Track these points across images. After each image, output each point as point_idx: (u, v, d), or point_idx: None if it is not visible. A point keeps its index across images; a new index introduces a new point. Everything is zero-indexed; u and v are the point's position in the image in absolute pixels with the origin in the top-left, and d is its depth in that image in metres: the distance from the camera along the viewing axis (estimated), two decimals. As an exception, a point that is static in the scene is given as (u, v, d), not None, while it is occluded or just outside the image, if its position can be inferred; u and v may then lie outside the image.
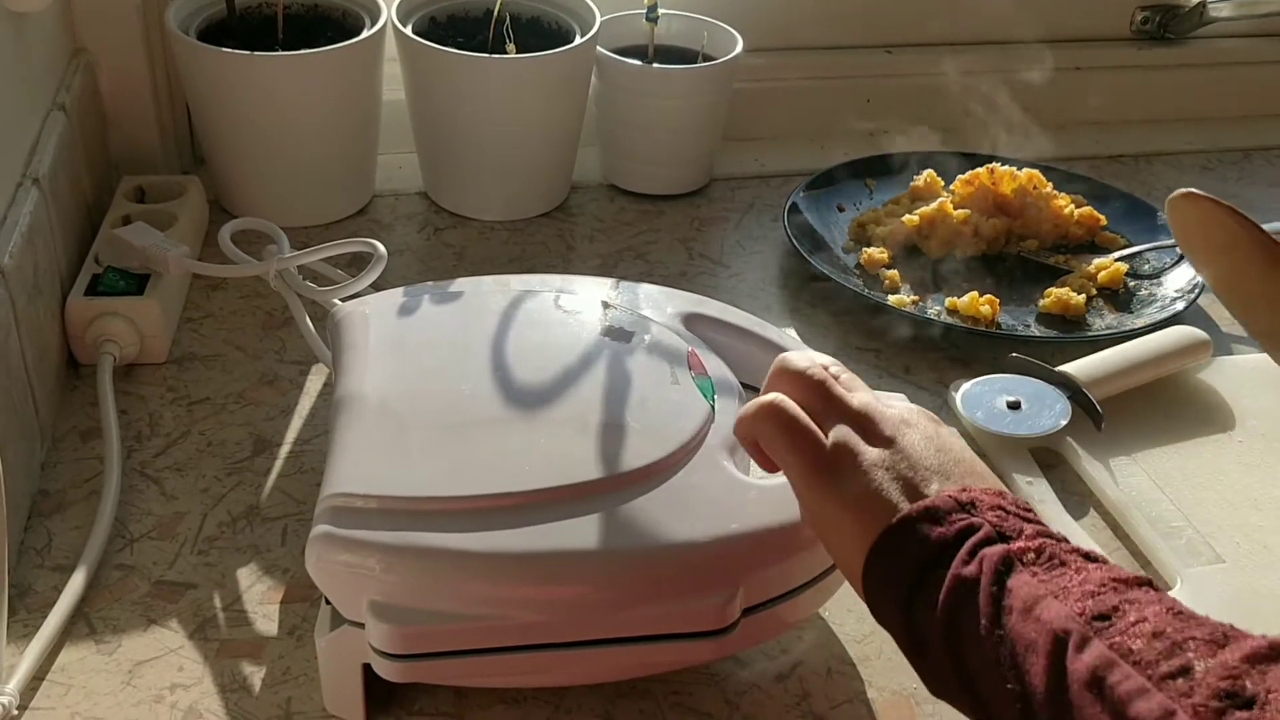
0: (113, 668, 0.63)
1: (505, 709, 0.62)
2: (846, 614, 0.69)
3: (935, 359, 0.91)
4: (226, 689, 0.62)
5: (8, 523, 0.62)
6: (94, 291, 0.83)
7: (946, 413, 0.86)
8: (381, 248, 0.81)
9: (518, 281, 0.75)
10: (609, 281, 0.76)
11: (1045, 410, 0.82)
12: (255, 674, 0.63)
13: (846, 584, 0.64)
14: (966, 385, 0.85)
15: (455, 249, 1.02)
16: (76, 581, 0.67)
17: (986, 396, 0.84)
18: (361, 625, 0.56)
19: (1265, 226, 0.76)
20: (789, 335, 0.82)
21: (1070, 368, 0.85)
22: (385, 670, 0.56)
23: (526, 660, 0.57)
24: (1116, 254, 1.02)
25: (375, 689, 0.60)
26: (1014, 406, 0.83)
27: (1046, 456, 0.82)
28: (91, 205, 0.93)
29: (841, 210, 1.08)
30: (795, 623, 0.64)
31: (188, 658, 0.64)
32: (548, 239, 1.05)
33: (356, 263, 0.88)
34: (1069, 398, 0.83)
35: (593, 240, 1.05)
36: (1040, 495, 0.77)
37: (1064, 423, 0.81)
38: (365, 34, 0.99)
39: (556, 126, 1.05)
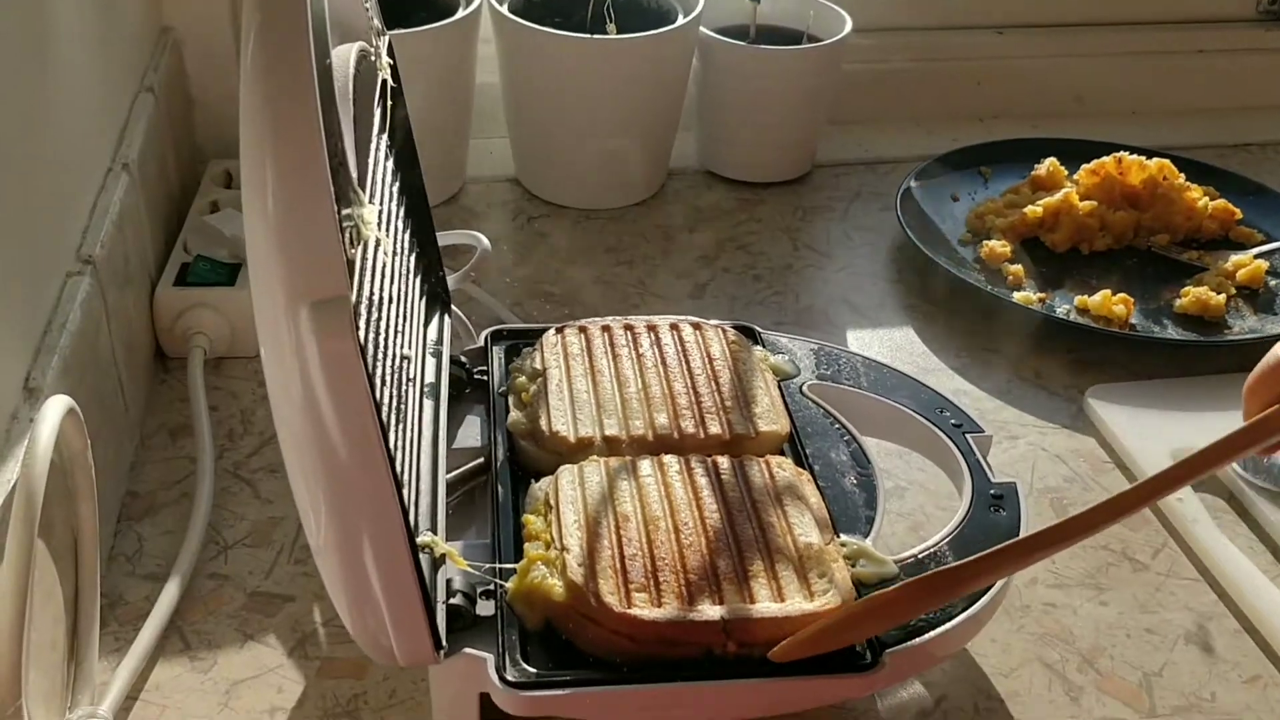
0: (209, 687, 0.59)
1: (626, 742, 0.58)
2: (990, 644, 0.63)
3: (1067, 362, 0.85)
4: (329, 713, 0.58)
5: (99, 528, 0.58)
6: (183, 282, 0.80)
7: (1081, 419, 0.80)
8: (485, 241, 0.77)
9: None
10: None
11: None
12: (359, 697, 0.59)
13: (995, 615, 0.59)
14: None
15: (549, 239, 0.98)
16: (170, 592, 0.63)
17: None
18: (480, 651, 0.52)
19: None
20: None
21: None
22: (507, 703, 0.52)
23: (664, 695, 0.52)
24: (1255, 250, 0.95)
25: (490, 715, 0.55)
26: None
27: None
28: (178, 191, 0.90)
29: (956, 200, 1.02)
30: (944, 657, 0.59)
31: (287, 677, 0.60)
32: (645, 229, 1.00)
33: (450, 253, 0.84)
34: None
35: (692, 230, 1.00)
36: (1194, 514, 0.71)
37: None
38: (461, 13, 0.94)
39: (655, 110, 1.00)
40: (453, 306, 0.74)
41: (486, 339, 0.72)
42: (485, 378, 0.69)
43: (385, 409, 0.51)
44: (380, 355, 0.52)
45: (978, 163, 1.05)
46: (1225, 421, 0.78)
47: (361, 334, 0.48)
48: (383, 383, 0.52)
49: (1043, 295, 0.89)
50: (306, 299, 0.43)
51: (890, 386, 0.69)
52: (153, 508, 0.69)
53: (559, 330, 0.71)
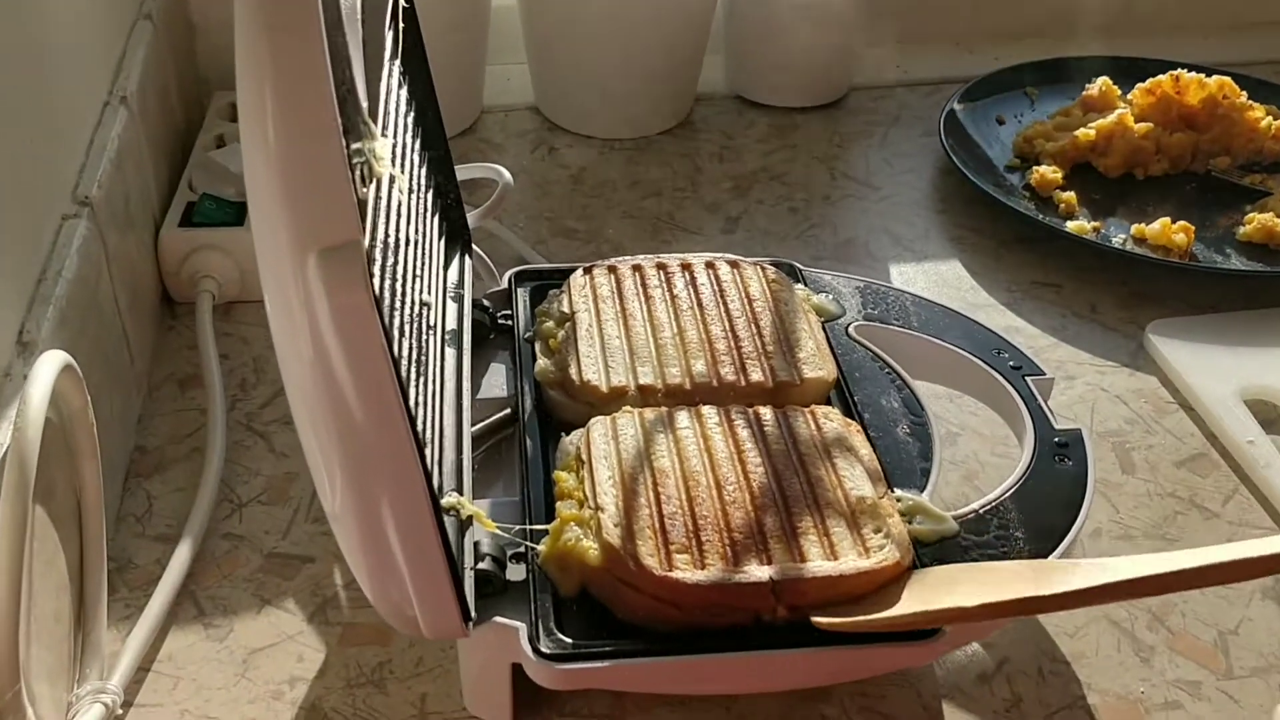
0: (225, 656, 0.56)
1: (669, 712, 0.54)
2: (1053, 600, 0.59)
3: (1123, 295, 0.81)
4: (353, 684, 0.55)
5: (103, 488, 0.55)
6: (189, 222, 0.75)
7: (1141, 356, 0.75)
8: (506, 174, 0.72)
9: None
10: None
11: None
12: (384, 665, 0.56)
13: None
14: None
15: (571, 171, 0.93)
16: (182, 554, 0.59)
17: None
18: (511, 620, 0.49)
19: None
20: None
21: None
22: (541, 676, 0.48)
23: (711, 665, 0.48)
24: (1322, 172, 0.90)
25: (523, 686, 0.52)
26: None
27: (1263, 410, 0.71)
28: (182, 125, 0.85)
29: (1001, 123, 0.96)
30: (1006, 621, 0.55)
31: (307, 645, 0.57)
32: (672, 159, 0.95)
33: (467, 189, 0.79)
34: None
35: (722, 160, 0.95)
36: (1266, 459, 0.67)
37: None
38: (475, -71, 0.89)
39: (681, 32, 0.95)
40: (474, 246, 0.70)
41: (510, 280, 0.68)
42: (510, 323, 0.65)
43: (404, 362, 0.47)
44: (398, 303, 0.48)
45: (1023, 83, 0.99)
46: (1294, 356, 0.73)
47: (376, 282, 0.43)
48: (401, 333, 0.48)
49: (1097, 224, 0.84)
50: (314, 245, 0.39)
51: (942, 326, 0.65)
52: (162, 464, 0.66)
53: (587, 270, 0.66)
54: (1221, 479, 0.67)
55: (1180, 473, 0.67)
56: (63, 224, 0.61)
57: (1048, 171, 0.88)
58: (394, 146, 0.53)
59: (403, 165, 0.56)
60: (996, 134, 0.94)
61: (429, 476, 0.44)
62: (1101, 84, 0.94)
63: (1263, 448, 0.67)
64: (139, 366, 0.69)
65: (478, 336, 0.64)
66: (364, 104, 0.45)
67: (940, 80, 1.05)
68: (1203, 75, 0.92)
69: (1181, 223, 0.82)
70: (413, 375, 0.49)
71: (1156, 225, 0.82)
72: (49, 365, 0.49)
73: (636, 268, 0.66)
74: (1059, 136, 0.92)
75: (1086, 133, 0.90)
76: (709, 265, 0.66)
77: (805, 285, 0.67)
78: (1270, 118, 0.92)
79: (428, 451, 0.49)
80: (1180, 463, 0.68)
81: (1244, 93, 0.92)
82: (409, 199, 0.55)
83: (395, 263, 0.49)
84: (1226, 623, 0.59)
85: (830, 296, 0.66)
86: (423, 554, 0.45)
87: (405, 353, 0.48)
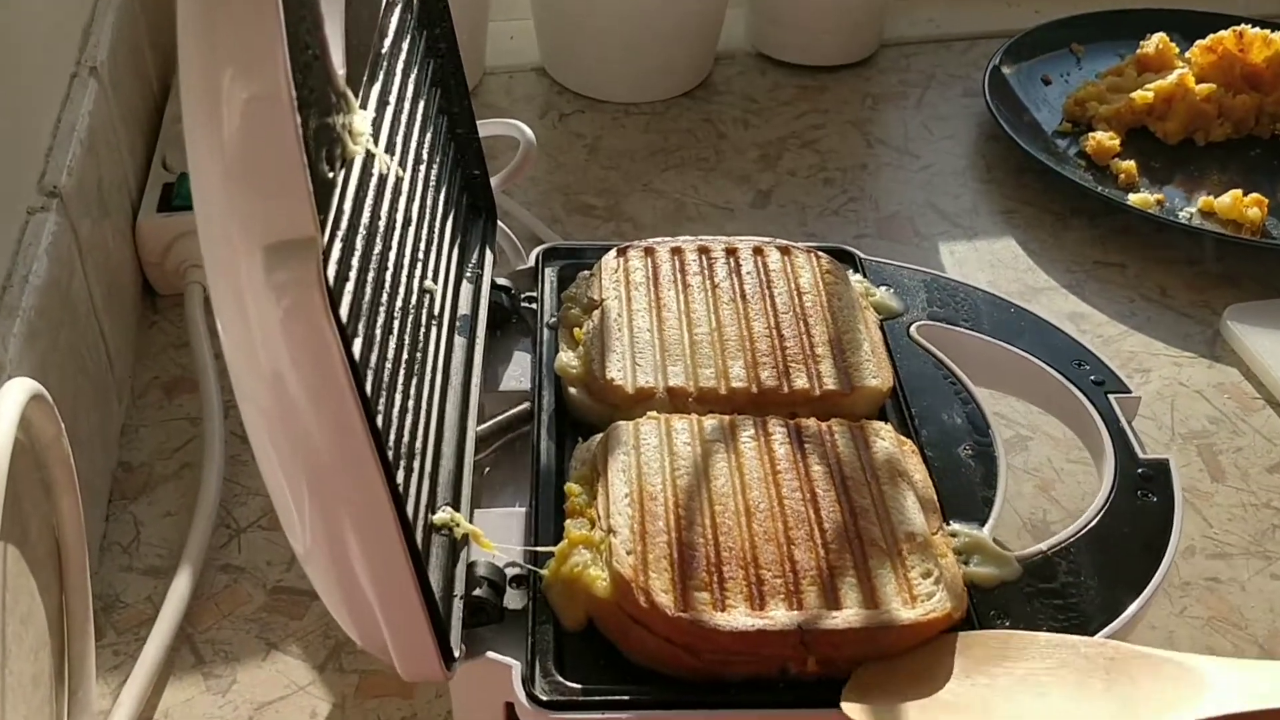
0: (229, 713, 0.50)
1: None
2: (1150, 632, 0.54)
3: (1193, 276, 0.74)
4: (374, 743, 0.49)
5: (84, 520, 0.48)
6: (169, 206, 0.68)
7: (1219, 345, 0.69)
8: (529, 132, 0.65)
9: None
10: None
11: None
12: (408, 720, 0.50)
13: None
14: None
15: (586, 140, 0.86)
16: (177, 591, 0.53)
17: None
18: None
19: None
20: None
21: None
22: None
23: None
24: (1397, 136, 0.83)
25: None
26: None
27: (1356, 405, 0.65)
28: (159, 97, 0.77)
29: (1048, 83, 0.89)
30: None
31: (320, 698, 0.50)
32: (693, 125, 0.87)
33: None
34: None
35: (747, 126, 0.87)
36: (1368, 463, 0.61)
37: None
38: (478, -127, 0.80)
39: (703, -15, 0.87)
40: (499, 220, 0.63)
41: (538, 259, 0.61)
42: (534, 306, 0.58)
43: (388, 364, 0.41)
44: (384, 297, 0.41)
45: (1069, 39, 0.92)
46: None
47: (354, 276, 0.37)
48: (386, 331, 0.41)
49: (1159, 197, 0.78)
50: (261, 241, 0.32)
51: (1016, 330, 0.58)
52: (150, 483, 0.59)
53: (621, 252, 0.59)
54: (1318, 484, 0.61)
55: (1274, 478, 0.61)
56: (29, 219, 0.54)
57: (1104, 138, 0.81)
58: (391, 115, 0.46)
59: (409, 130, 0.49)
60: (1044, 95, 0.87)
61: (400, 502, 0.37)
62: (1158, 40, 0.87)
63: (1362, 450, 0.61)
64: (119, 371, 0.62)
65: (497, 320, 0.58)
66: (340, 71, 0.38)
67: (976, 35, 0.98)
68: (1268, 31, 0.85)
69: (1254, 195, 0.76)
70: (399, 379, 0.42)
71: (1227, 199, 0.76)
72: (14, 396, 0.42)
73: (676, 251, 0.59)
74: (1113, 98, 0.85)
75: (1144, 95, 0.83)
76: (757, 251, 0.59)
77: (865, 277, 0.60)
78: (1340, 77, 0.85)
79: (419, 461, 0.43)
80: (1273, 467, 0.62)
81: (1312, 50, 0.85)
82: (412, 173, 0.48)
83: (385, 249, 0.42)
84: (1340, 653, 0.53)
85: (891, 291, 0.60)
86: (393, 589, 0.39)
87: (390, 353, 0.41)
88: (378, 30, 0.46)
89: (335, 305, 0.35)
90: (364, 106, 0.42)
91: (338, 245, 0.37)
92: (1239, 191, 0.76)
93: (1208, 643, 0.53)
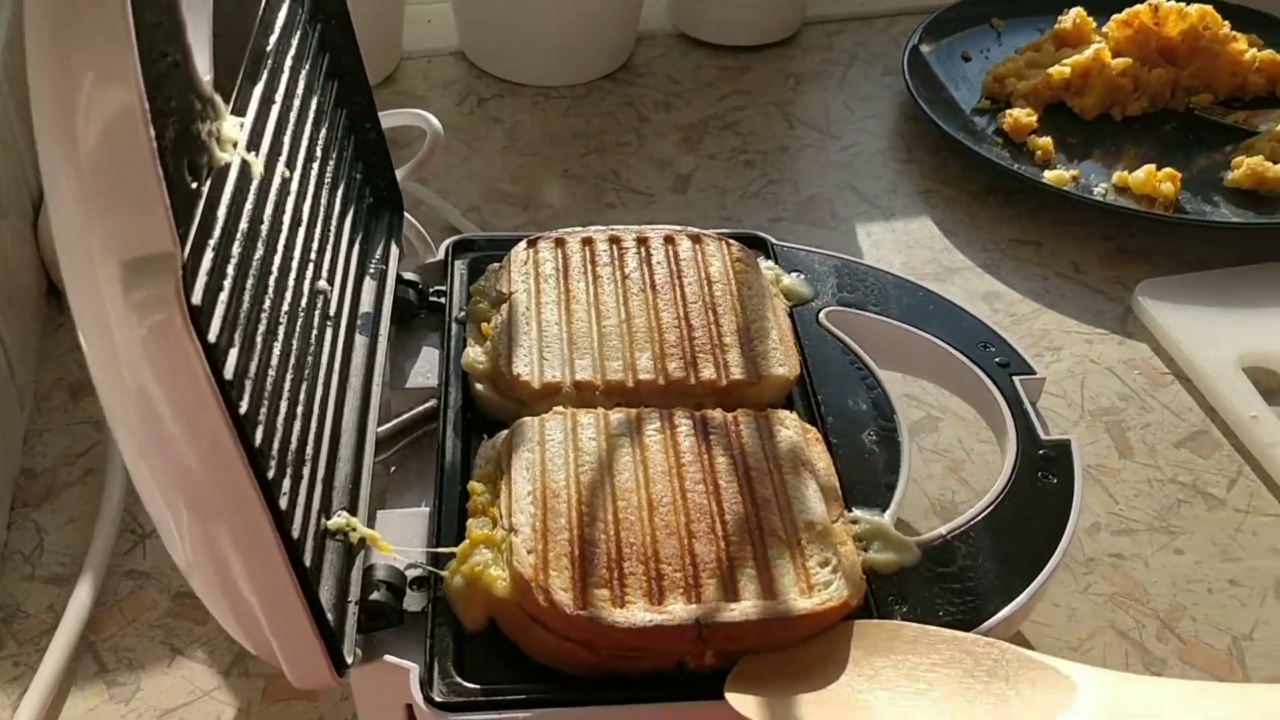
0: (132, 722, 0.49)
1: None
2: (1054, 610, 0.54)
3: (1107, 251, 0.75)
4: (280, 749, 0.48)
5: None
6: (72, 204, 0.67)
7: (1131, 321, 0.70)
8: (435, 122, 0.64)
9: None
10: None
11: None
12: (315, 725, 0.49)
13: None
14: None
15: (505, 125, 0.85)
16: (79, 599, 0.52)
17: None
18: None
19: None
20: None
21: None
22: None
23: (624, 717, 0.43)
24: (1310, 108, 0.84)
25: None
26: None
27: (1264, 378, 0.66)
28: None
29: (968, 60, 0.89)
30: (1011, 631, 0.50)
31: (225, 703, 0.50)
32: (614, 108, 0.87)
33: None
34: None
35: (669, 108, 0.87)
36: (1271, 435, 0.62)
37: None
38: None
39: (621, -34, 0.86)
40: (405, 213, 0.62)
41: (448, 251, 0.60)
42: (442, 300, 0.58)
43: (270, 373, 0.40)
44: (267, 306, 0.41)
45: (989, 14, 0.93)
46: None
47: (224, 287, 0.37)
48: (268, 338, 0.40)
49: (1075, 173, 0.78)
50: (118, 256, 0.32)
51: (925, 315, 0.58)
52: (53, 489, 0.58)
53: (531, 244, 0.59)
54: (1224, 460, 0.62)
55: (1180, 453, 0.62)
56: (-86, 225, 0.52)
57: (1021, 115, 0.81)
58: (278, 114, 0.45)
59: (299, 131, 0.48)
60: (963, 73, 0.88)
61: (280, 516, 0.37)
62: (1075, 15, 0.87)
63: (1267, 423, 0.62)
64: (21, 377, 0.61)
65: (405, 316, 0.57)
66: (205, 76, 0.37)
67: (899, 11, 0.98)
68: (1182, 4, 0.85)
69: (1167, 170, 0.76)
70: (285, 386, 0.41)
71: (1141, 174, 0.76)
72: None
73: (587, 241, 0.59)
74: (1031, 75, 0.85)
75: (1061, 70, 0.84)
76: (668, 240, 0.59)
77: (776, 263, 0.60)
78: (1254, 49, 0.86)
79: (306, 470, 0.42)
80: (1180, 442, 0.62)
81: (1226, 23, 0.86)
82: (300, 172, 0.47)
83: (268, 254, 0.42)
84: (1240, 626, 0.54)
85: (802, 277, 0.60)
86: (277, 601, 0.39)
87: (274, 360, 0.41)
88: (259, 27, 0.45)
89: (204, 320, 0.35)
90: (241, 109, 0.42)
91: (208, 255, 0.36)
92: (1153, 167, 0.76)
93: (1110, 618, 0.54)
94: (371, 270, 0.57)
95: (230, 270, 0.38)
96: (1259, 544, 0.57)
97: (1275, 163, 0.77)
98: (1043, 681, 0.40)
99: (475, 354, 0.54)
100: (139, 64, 0.31)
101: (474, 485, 0.48)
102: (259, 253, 0.41)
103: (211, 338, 0.35)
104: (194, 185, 0.35)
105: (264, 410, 0.39)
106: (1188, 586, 0.56)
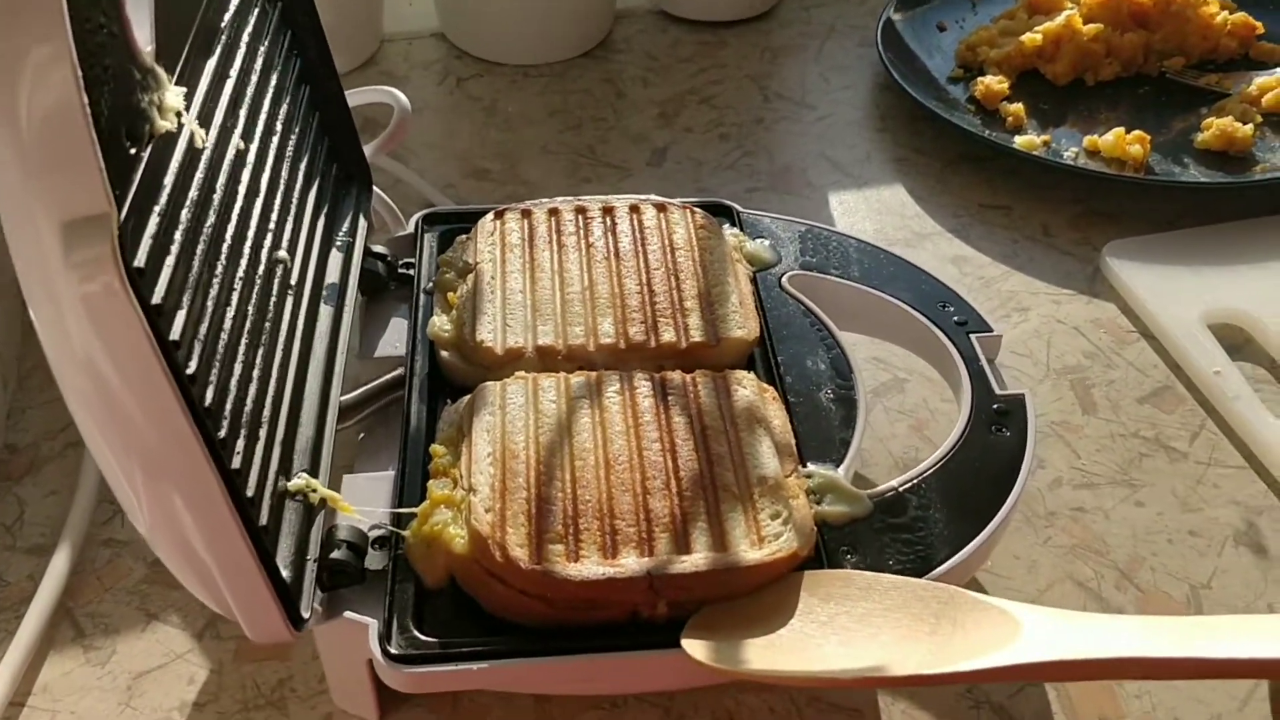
0: (108, 683, 0.50)
1: (599, 714, 0.50)
2: (1014, 562, 0.55)
3: (1077, 214, 0.75)
4: (250, 706, 0.50)
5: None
6: (52, 187, 0.68)
7: (1099, 281, 0.70)
8: (403, 98, 0.65)
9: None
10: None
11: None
12: (285, 683, 0.50)
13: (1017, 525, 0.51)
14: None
15: (484, 103, 0.86)
16: (57, 567, 0.54)
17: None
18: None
19: None
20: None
21: None
22: (392, 679, 0.43)
23: (579, 667, 0.43)
24: (1282, 68, 0.84)
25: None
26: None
27: (1229, 334, 0.66)
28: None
29: (942, 30, 0.90)
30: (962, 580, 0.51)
31: (198, 664, 0.51)
32: (592, 84, 0.88)
33: (364, 120, 0.72)
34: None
35: (646, 84, 0.88)
36: (1234, 390, 0.62)
37: None
38: None
39: (596, -56, 0.87)
40: (375, 188, 0.63)
41: (418, 224, 0.62)
42: (412, 272, 0.59)
43: (223, 336, 0.41)
44: (219, 272, 0.42)
45: (964, -16, 0.93)
46: (1260, 274, 0.69)
47: (171, 251, 0.38)
48: (221, 303, 0.42)
49: (1046, 138, 0.79)
50: (58, 217, 0.33)
51: (886, 277, 0.59)
52: (35, 464, 0.59)
53: (498, 215, 0.60)
54: (1188, 414, 0.62)
55: (1144, 409, 0.62)
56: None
57: (993, 82, 0.82)
58: (233, 88, 0.46)
59: (258, 105, 0.49)
60: (938, 42, 0.88)
61: (230, 474, 0.38)
62: (1047, -18, 0.88)
63: (1230, 378, 0.63)
64: (4, 355, 0.62)
65: (374, 288, 0.58)
66: (147, 48, 0.38)
67: (876, -16, 0.98)
68: (1153, -32, 0.86)
69: (1137, 132, 0.77)
70: (238, 350, 0.43)
71: (1110, 137, 0.77)
72: None
73: (553, 212, 0.60)
74: (1003, 43, 0.86)
75: (1033, 37, 0.84)
76: (633, 209, 0.60)
77: (741, 230, 0.61)
78: (1225, 12, 0.86)
79: (263, 432, 0.44)
80: (1144, 398, 0.63)
81: (1197, -15, 0.86)
82: (259, 145, 0.49)
83: (221, 221, 0.43)
84: (1199, 575, 0.55)
85: (766, 243, 0.60)
86: (229, 558, 0.40)
87: (226, 325, 0.42)
88: (211, 3, 0.46)
89: (147, 282, 0.36)
90: (191, 81, 0.43)
91: (154, 220, 0.37)
92: (1121, 130, 0.77)
93: (1069, 569, 0.55)
94: (338, 243, 0.58)
95: (178, 235, 0.39)
96: (1220, 495, 0.58)
97: (1245, 124, 0.78)
98: (989, 621, 0.41)
99: (441, 322, 0.55)
100: (71, 33, 0.32)
101: (436, 448, 0.49)
102: (210, 219, 0.42)
103: (156, 299, 0.36)
104: (133, 150, 0.36)
105: (215, 372, 0.40)
106: (1147, 537, 0.56)
